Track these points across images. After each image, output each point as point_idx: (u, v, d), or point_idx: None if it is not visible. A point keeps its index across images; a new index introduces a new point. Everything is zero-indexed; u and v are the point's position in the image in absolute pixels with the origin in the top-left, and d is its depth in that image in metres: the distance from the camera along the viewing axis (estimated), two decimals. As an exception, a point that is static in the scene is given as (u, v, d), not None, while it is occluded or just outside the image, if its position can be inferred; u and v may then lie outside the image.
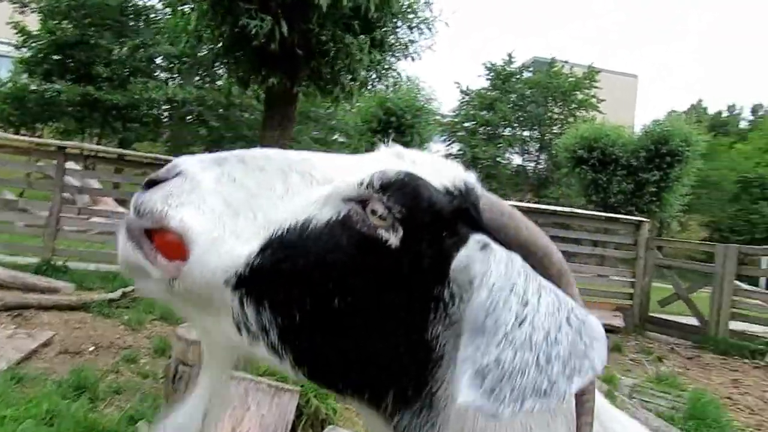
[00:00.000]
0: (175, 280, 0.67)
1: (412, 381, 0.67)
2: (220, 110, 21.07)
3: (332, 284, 0.66)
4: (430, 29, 6.93)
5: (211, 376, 0.75)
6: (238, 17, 5.59)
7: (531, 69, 30.03)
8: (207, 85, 20.60)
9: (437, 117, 20.43)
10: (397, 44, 6.90)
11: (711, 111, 36.43)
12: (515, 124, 28.20)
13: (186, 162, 0.71)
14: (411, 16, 6.57)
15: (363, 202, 0.67)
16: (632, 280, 9.89)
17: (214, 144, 22.26)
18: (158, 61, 20.74)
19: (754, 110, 35.79)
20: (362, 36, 5.72)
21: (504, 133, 28.14)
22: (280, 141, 6.75)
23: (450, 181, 0.71)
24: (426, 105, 16.52)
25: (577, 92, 26.83)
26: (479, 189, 0.73)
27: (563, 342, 0.53)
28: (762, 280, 18.24)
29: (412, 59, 7.26)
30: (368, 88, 7.25)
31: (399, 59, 7.26)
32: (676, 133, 17.92)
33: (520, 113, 27.76)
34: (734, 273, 8.68)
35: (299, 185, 0.70)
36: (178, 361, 3.84)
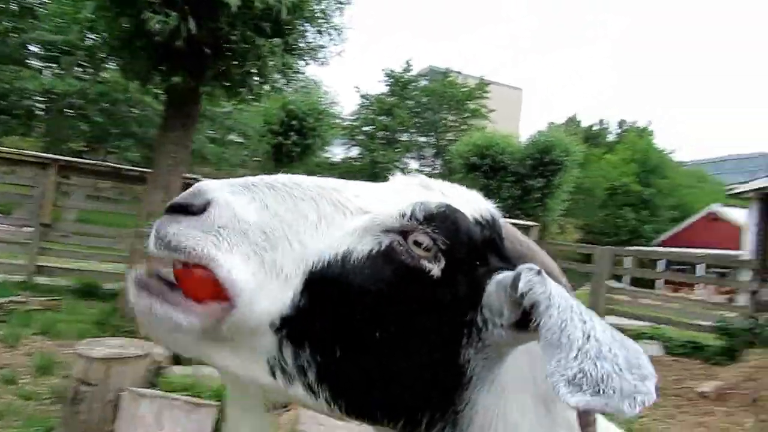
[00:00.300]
0: (217, 325, 0.64)
1: (443, 403, 0.70)
2: (105, 104, 19.48)
3: (374, 316, 0.66)
4: (339, 35, 6.97)
5: (242, 412, 0.74)
6: (140, 10, 5.25)
7: (427, 77, 31.16)
8: (90, 77, 18.96)
9: (337, 120, 20.52)
10: (307, 48, 6.87)
11: (584, 124, 40.00)
12: (412, 130, 29.10)
13: (215, 189, 0.67)
14: (322, 20, 6.57)
15: (404, 234, 0.68)
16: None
17: (97, 140, 20.55)
18: (34, 48, 18.72)
19: (620, 125, 39.96)
20: (276, 39, 5.62)
21: (402, 139, 28.90)
22: (182, 142, 6.43)
23: (479, 211, 0.75)
24: (328, 108, 16.53)
25: (470, 102, 28.26)
26: (500, 218, 0.77)
27: (620, 354, 0.59)
28: (625, 278, 20.37)
29: (321, 64, 7.27)
30: (276, 91, 7.13)
31: (308, 63, 7.23)
32: (557, 144, 19.51)
33: (417, 119, 28.69)
34: (609, 272, 9.66)
35: (332, 214, 0.70)
36: (78, 382, 3.54)
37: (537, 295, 0.62)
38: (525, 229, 10.87)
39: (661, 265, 18.68)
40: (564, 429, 0.75)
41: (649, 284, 17.05)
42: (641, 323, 9.12)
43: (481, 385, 0.70)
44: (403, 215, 0.69)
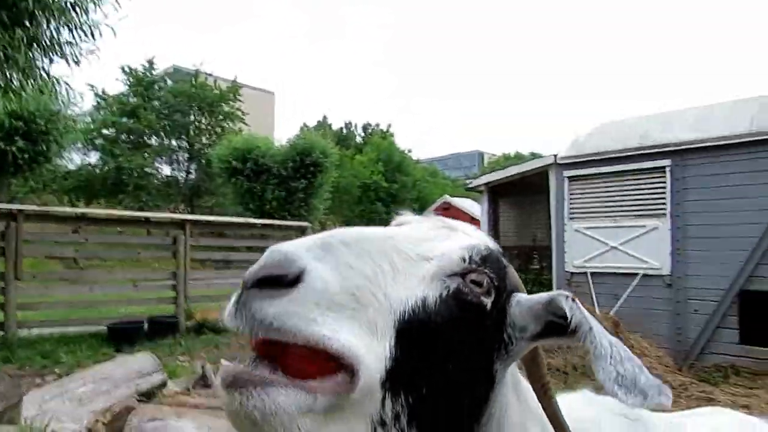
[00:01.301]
0: (344, 398, 0.64)
1: (482, 410, 0.83)
2: None
3: (449, 350, 0.74)
4: (93, 34, 6.21)
5: None
6: None
7: (173, 77, 29.25)
8: None
9: (72, 123, 17.85)
10: (52, 45, 5.94)
11: (334, 126, 42.60)
12: (162, 133, 27.00)
13: (302, 257, 0.65)
14: (72, 15, 5.76)
15: (464, 274, 0.78)
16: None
17: None
18: None
19: (365, 128, 43.66)
20: (18, 30, 4.75)
21: (151, 142, 26.60)
22: None
23: (495, 247, 0.90)
24: (63, 110, 14.27)
25: (223, 104, 27.53)
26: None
27: (625, 356, 0.75)
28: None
29: (69, 63, 6.35)
30: (13, 89, 6.00)
31: (53, 61, 6.26)
32: (316, 146, 20.51)
33: (166, 122, 26.71)
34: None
35: (401, 264, 0.74)
36: None
37: (579, 319, 0.78)
38: (301, 231, 11.21)
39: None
40: (530, 401, 0.95)
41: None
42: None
43: (499, 388, 0.86)
44: (464, 259, 0.79)
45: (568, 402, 0.96)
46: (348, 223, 31.13)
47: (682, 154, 7.62)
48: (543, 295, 0.83)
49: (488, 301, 0.79)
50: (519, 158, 50.01)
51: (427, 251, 0.78)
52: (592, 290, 8.21)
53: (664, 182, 7.74)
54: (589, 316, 0.79)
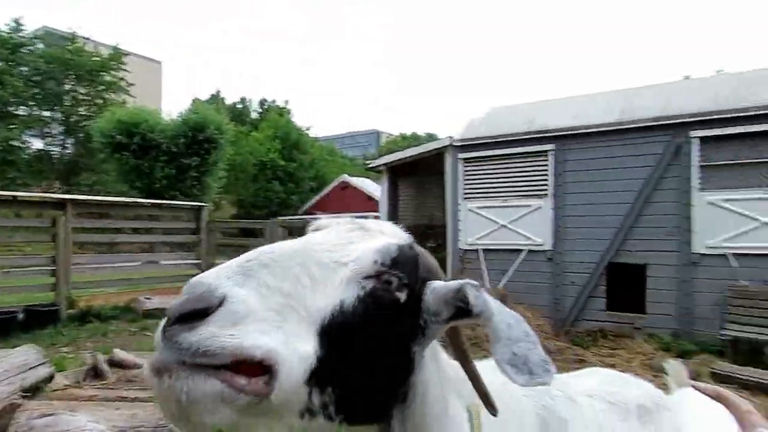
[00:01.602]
0: (263, 399, 0.71)
1: (402, 389, 0.93)
2: None
3: (368, 342, 0.83)
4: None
5: None
6: None
7: (43, 41, 26.31)
8: None
9: None
10: None
11: (228, 101, 40.85)
12: (31, 103, 24.31)
13: (223, 285, 0.71)
14: None
15: (377, 276, 0.85)
16: (198, 261, 10.56)
17: None
18: None
19: (261, 103, 42.32)
20: None
21: (19, 113, 23.85)
22: None
23: (406, 241, 0.97)
24: None
25: (104, 73, 25.33)
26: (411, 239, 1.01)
27: (522, 332, 0.85)
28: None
29: None
30: None
31: None
32: (210, 121, 19.59)
33: (36, 90, 24.07)
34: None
35: (319, 274, 0.81)
36: None
37: (481, 307, 0.88)
38: (197, 211, 10.75)
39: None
40: (449, 371, 1.06)
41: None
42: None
43: (420, 367, 0.95)
44: (375, 262, 0.86)
45: (482, 368, 1.07)
46: (243, 202, 30.26)
47: (562, 139, 8.29)
48: (453, 284, 0.91)
49: (402, 296, 0.87)
50: (415, 139, 51.29)
51: (343, 257, 0.85)
52: (483, 266, 8.75)
53: (547, 165, 8.40)
54: (492, 302, 0.88)
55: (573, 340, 7.59)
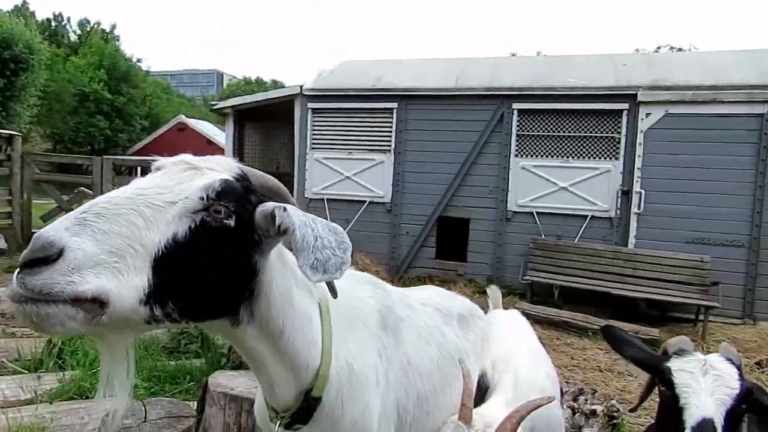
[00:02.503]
0: (99, 314, 0.87)
1: (246, 290, 1.13)
2: None
3: (205, 260, 0.99)
4: None
5: (113, 364, 0.99)
6: None
7: None
8: None
9: None
10: None
11: (39, 16, 35.08)
12: None
13: (62, 237, 0.84)
14: None
15: (206, 209, 1.00)
16: (9, 198, 9.34)
17: None
18: None
19: (82, 25, 37.03)
20: None
21: None
22: None
23: (234, 171, 1.12)
24: None
25: None
26: (245, 168, 1.17)
27: (332, 238, 1.04)
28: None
29: None
30: None
31: None
32: (19, 37, 16.79)
33: None
34: (111, 182, 9.71)
35: (152, 215, 0.94)
36: None
37: (287, 224, 1.04)
38: (7, 139, 9.38)
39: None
40: (296, 269, 1.22)
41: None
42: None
43: (263, 271, 1.15)
44: (202, 198, 1.00)
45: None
46: (60, 136, 26.80)
47: (405, 98, 8.86)
48: (268, 206, 1.08)
49: (230, 222, 1.02)
50: (260, 84, 49.45)
51: (173, 197, 0.99)
52: (328, 215, 9.13)
53: (391, 122, 8.93)
54: (298, 219, 1.05)
55: (405, 285, 8.38)
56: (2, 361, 3.23)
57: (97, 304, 0.86)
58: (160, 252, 0.92)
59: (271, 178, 1.23)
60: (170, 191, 0.99)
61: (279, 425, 1.34)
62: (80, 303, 0.85)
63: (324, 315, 1.36)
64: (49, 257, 0.82)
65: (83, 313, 0.85)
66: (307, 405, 1.32)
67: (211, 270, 1.00)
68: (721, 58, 8.10)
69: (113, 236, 0.88)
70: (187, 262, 0.96)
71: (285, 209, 1.05)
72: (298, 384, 1.31)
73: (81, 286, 0.83)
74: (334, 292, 1.25)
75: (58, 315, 0.83)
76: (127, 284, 0.88)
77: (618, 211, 7.83)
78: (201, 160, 1.10)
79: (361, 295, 1.53)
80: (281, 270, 1.23)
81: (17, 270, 0.84)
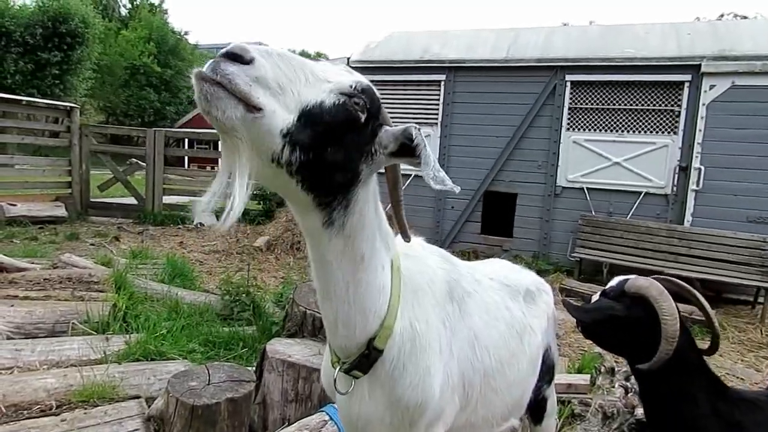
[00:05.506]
0: (254, 116, 0.98)
1: (347, 190, 1.21)
2: None
3: (331, 136, 1.10)
4: None
5: (236, 166, 1.04)
6: None
7: None
8: None
9: None
10: None
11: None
12: None
13: (255, 51, 0.98)
14: None
15: (350, 96, 1.12)
16: (68, 168, 9.75)
17: None
18: None
19: (132, -2, 37.72)
20: None
21: None
22: None
23: (368, 83, 1.22)
24: None
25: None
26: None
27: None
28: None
29: None
30: None
31: None
32: (74, 12, 17.26)
33: None
34: (162, 154, 10.01)
35: (312, 78, 1.08)
36: None
37: (419, 141, 1.20)
38: (66, 112, 9.76)
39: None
40: (383, 221, 1.38)
41: (177, 162, 18.14)
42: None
43: (362, 186, 1.24)
44: (351, 86, 1.13)
45: (409, 245, 1.48)
46: (112, 109, 27.65)
47: (454, 70, 8.69)
48: (401, 127, 1.23)
49: (362, 116, 1.15)
50: (305, 56, 49.36)
51: (329, 77, 1.13)
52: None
53: (439, 94, 8.80)
54: (425, 140, 1.21)
55: (449, 259, 8.37)
56: (73, 323, 3.40)
57: (255, 110, 0.98)
58: (308, 108, 1.05)
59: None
60: (328, 73, 1.13)
61: (339, 369, 1.37)
62: (245, 104, 0.97)
63: (394, 273, 1.37)
64: (244, 58, 0.95)
65: (244, 110, 0.97)
66: (369, 353, 1.34)
67: (332, 145, 1.11)
68: (794, 25, 7.58)
69: (285, 75, 1.03)
70: (321, 128, 1.07)
71: (419, 129, 1.20)
72: (363, 328, 1.33)
73: (254, 92, 0.97)
74: (407, 237, 1.44)
75: (227, 102, 0.95)
76: (280, 112, 1.01)
77: (674, 188, 7.53)
78: (356, 73, 1.23)
79: (432, 264, 1.54)
80: (373, 212, 1.31)
81: (217, 56, 0.97)
